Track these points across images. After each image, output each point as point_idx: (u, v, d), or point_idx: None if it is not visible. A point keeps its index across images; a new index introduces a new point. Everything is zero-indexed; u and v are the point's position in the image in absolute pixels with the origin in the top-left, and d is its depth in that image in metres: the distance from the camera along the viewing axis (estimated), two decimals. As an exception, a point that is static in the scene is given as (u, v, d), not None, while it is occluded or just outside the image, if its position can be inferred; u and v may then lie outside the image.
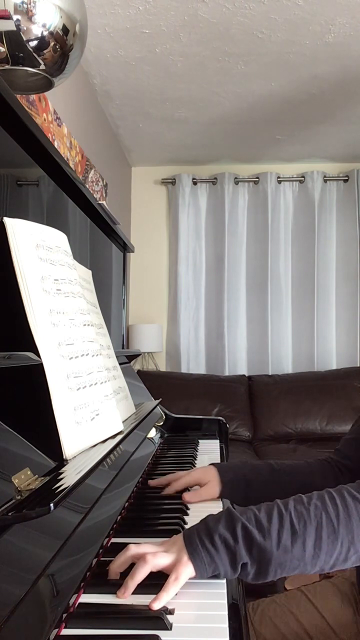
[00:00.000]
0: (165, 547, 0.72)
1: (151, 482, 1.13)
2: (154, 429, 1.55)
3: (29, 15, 1.12)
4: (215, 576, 0.70)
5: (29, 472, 0.66)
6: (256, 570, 0.70)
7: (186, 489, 1.07)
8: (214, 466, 1.08)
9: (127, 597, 0.65)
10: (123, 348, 1.88)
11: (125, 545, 0.73)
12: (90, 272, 1.21)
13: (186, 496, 1.03)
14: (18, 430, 0.71)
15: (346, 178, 4.06)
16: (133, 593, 0.66)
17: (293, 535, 0.71)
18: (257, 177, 4.07)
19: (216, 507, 1.00)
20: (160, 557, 0.69)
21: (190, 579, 0.69)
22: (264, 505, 0.75)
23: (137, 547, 0.72)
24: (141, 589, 0.67)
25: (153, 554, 0.69)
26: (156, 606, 0.63)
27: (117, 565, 0.70)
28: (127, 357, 1.72)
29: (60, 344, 0.81)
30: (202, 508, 1.01)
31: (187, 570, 0.68)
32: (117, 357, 1.28)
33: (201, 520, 0.74)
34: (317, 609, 1.04)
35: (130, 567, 0.70)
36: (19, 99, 1.00)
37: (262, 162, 4.09)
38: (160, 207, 4.22)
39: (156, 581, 0.67)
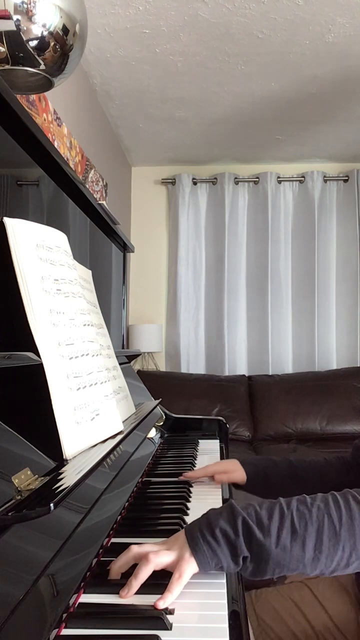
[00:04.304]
0: (167, 545, 0.72)
1: (186, 475, 1.21)
2: (154, 429, 1.55)
3: (29, 15, 1.12)
4: (221, 568, 0.70)
5: (29, 472, 0.66)
6: (254, 567, 0.70)
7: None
8: (237, 460, 1.20)
9: (130, 597, 0.65)
10: (123, 348, 1.88)
11: (125, 545, 0.73)
12: (90, 272, 1.21)
13: (217, 477, 1.16)
14: (18, 430, 0.71)
15: (346, 178, 4.06)
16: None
17: (293, 535, 0.70)
18: (257, 177, 4.07)
19: (216, 501, 1.01)
20: (162, 555, 0.69)
21: (194, 574, 0.69)
22: (266, 502, 0.74)
23: (139, 547, 0.71)
24: (142, 588, 0.67)
25: (155, 553, 0.69)
26: (161, 605, 0.63)
27: (119, 565, 0.70)
28: (127, 357, 1.72)
29: (60, 344, 0.81)
30: (202, 505, 1.01)
31: (190, 567, 0.68)
32: (117, 357, 1.28)
33: (203, 515, 0.74)
34: (319, 600, 1.05)
35: (131, 568, 0.70)
36: (19, 99, 1.00)
37: (262, 162, 4.09)
38: (160, 207, 4.22)
39: (157, 581, 0.67)
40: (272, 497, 1.08)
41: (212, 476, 1.18)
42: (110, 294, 1.65)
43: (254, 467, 1.18)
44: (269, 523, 0.71)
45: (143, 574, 0.67)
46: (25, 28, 1.12)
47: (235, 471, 1.17)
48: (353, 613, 1.03)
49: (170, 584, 0.66)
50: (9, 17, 1.10)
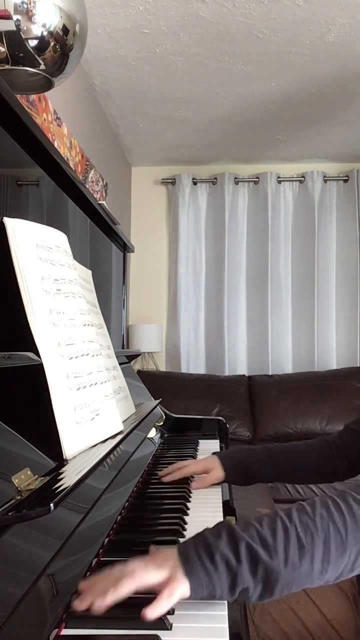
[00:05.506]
0: (156, 563, 0.65)
1: (161, 474, 1.20)
2: (154, 429, 1.55)
3: (29, 15, 1.12)
4: (212, 597, 0.64)
5: (29, 472, 0.66)
6: (260, 592, 0.65)
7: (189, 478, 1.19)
8: (216, 455, 1.20)
9: (84, 608, 0.60)
10: (123, 348, 1.88)
11: (125, 545, 0.73)
12: (90, 272, 1.21)
13: (194, 484, 1.15)
14: (18, 430, 0.71)
15: (346, 178, 4.06)
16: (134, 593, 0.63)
17: (300, 550, 0.66)
18: (257, 177, 4.07)
19: (216, 501, 1.01)
20: (151, 573, 0.63)
21: (182, 599, 0.63)
22: (265, 518, 0.70)
23: (125, 565, 0.65)
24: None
25: (143, 568, 0.64)
26: (150, 615, 0.59)
27: (93, 581, 0.63)
28: (127, 357, 1.72)
29: (60, 344, 0.81)
30: (202, 505, 1.01)
31: (182, 587, 0.63)
32: (117, 357, 1.28)
33: (197, 535, 0.68)
34: (317, 605, 1.05)
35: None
36: (19, 99, 1.00)
37: (262, 162, 4.09)
38: (160, 207, 4.22)
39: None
40: (251, 484, 1.14)
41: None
42: (110, 294, 1.65)
43: (231, 461, 1.18)
44: (274, 542, 0.66)
45: (124, 589, 0.61)
46: (25, 28, 1.12)
47: (213, 470, 1.16)
48: (351, 615, 1.03)
49: (158, 599, 0.61)
50: (9, 17, 1.10)
